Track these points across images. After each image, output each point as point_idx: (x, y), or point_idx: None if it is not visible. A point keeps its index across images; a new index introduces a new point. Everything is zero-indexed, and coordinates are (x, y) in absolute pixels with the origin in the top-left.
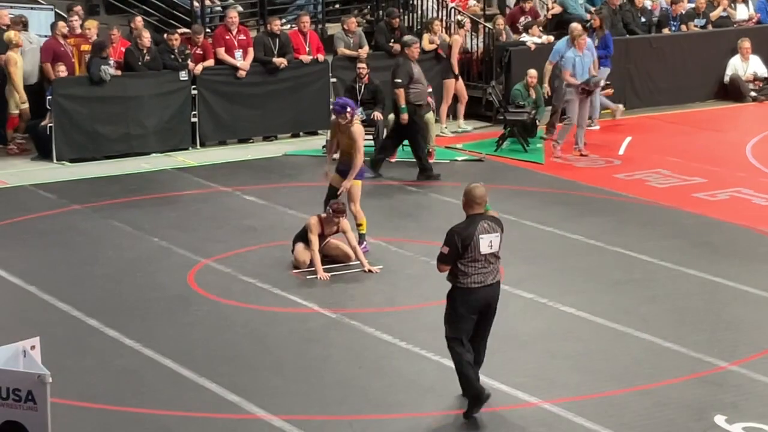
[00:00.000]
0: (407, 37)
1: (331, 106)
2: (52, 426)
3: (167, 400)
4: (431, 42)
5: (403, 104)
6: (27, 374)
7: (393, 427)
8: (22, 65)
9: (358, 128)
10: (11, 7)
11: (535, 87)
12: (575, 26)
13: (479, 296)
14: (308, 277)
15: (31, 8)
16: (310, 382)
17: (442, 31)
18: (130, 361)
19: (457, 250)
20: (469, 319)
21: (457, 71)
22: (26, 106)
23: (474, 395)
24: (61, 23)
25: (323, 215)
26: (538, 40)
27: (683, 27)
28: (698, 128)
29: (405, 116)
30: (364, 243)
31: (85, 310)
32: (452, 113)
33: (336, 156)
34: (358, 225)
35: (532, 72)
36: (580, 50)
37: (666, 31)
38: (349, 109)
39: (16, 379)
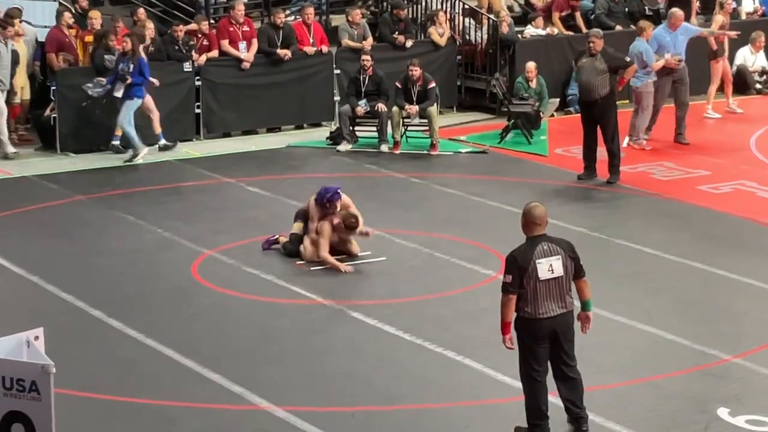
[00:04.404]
0: (592, 31)
1: (325, 196)
2: (55, 416)
3: (170, 391)
4: (442, 35)
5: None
6: (31, 365)
7: (395, 419)
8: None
9: (345, 199)
10: None
11: (538, 79)
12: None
13: (543, 325)
14: (312, 268)
15: None
16: (313, 374)
17: (446, 23)
18: (133, 352)
19: (519, 276)
20: (539, 348)
21: (724, 51)
22: (18, 98)
23: None
24: (66, 14)
25: (335, 222)
26: (543, 32)
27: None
28: (702, 120)
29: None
30: None
31: (88, 301)
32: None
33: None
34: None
35: (530, 65)
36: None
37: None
38: (338, 198)
39: (20, 369)
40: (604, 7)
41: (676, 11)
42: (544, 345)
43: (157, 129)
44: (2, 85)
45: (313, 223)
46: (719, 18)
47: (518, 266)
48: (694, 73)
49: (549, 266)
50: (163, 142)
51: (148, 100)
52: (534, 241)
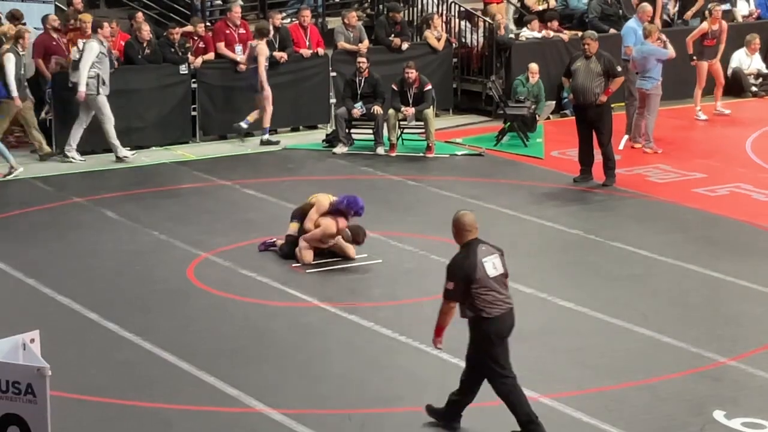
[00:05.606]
0: (586, 33)
1: (354, 208)
2: (51, 419)
3: (166, 394)
4: (439, 38)
5: (564, 88)
6: (26, 367)
7: (392, 421)
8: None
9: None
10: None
11: (537, 81)
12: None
13: (507, 321)
14: (308, 271)
15: (32, 1)
16: (310, 376)
17: (442, 26)
18: (129, 355)
19: (463, 283)
20: (505, 344)
21: (714, 55)
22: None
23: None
24: (51, 16)
25: (341, 225)
26: (538, 35)
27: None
28: (698, 123)
29: (571, 96)
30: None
31: (84, 303)
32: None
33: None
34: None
35: (533, 66)
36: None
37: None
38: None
39: (16, 372)
40: (597, 11)
41: (646, 5)
42: (506, 341)
43: (249, 120)
44: (106, 88)
45: (312, 217)
46: (704, 25)
47: (464, 272)
48: (682, 76)
49: (492, 264)
50: (266, 137)
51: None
52: (471, 245)
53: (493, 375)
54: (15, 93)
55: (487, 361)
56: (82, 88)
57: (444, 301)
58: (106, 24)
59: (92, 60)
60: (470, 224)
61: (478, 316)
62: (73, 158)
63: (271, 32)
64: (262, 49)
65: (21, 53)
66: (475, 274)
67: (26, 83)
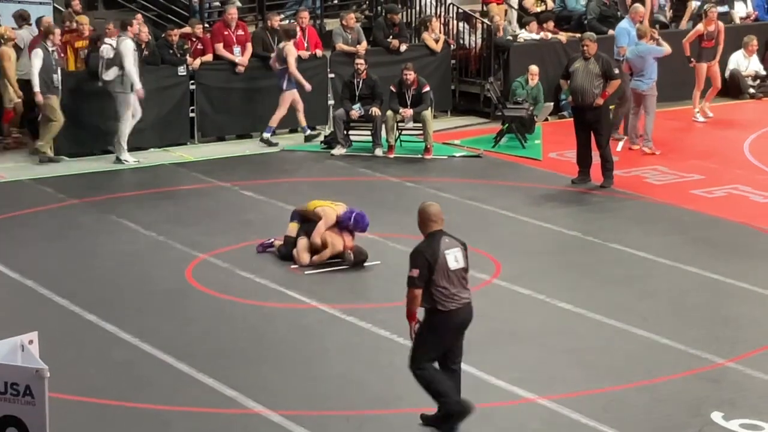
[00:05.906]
0: (585, 34)
1: (361, 224)
2: (49, 420)
3: (165, 395)
4: (437, 40)
5: (563, 90)
6: (25, 369)
7: (390, 422)
8: (16, 60)
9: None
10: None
11: (536, 83)
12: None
13: (461, 316)
14: (306, 273)
15: (30, 3)
16: (308, 377)
17: (440, 28)
18: (128, 356)
19: (427, 270)
20: (449, 339)
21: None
22: (19, 100)
23: (460, 411)
24: (45, 18)
25: (349, 244)
26: (536, 37)
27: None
28: (696, 125)
29: (570, 98)
30: None
31: (83, 305)
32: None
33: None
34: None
35: (533, 68)
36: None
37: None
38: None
39: (14, 373)
40: (596, 12)
41: (639, 6)
42: (454, 336)
43: (304, 125)
44: (134, 87)
45: (320, 230)
46: (699, 26)
47: (426, 260)
48: (680, 78)
49: (454, 257)
50: (308, 132)
51: (296, 95)
52: (434, 236)
53: (411, 361)
54: (37, 88)
55: (417, 347)
56: (138, 86)
57: (409, 288)
58: (134, 21)
59: (132, 57)
60: (435, 215)
61: (434, 307)
62: (126, 160)
63: (299, 34)
64: (290, 49)
65: (51, 49)
66: (436, 263)
67: (58, 82)
